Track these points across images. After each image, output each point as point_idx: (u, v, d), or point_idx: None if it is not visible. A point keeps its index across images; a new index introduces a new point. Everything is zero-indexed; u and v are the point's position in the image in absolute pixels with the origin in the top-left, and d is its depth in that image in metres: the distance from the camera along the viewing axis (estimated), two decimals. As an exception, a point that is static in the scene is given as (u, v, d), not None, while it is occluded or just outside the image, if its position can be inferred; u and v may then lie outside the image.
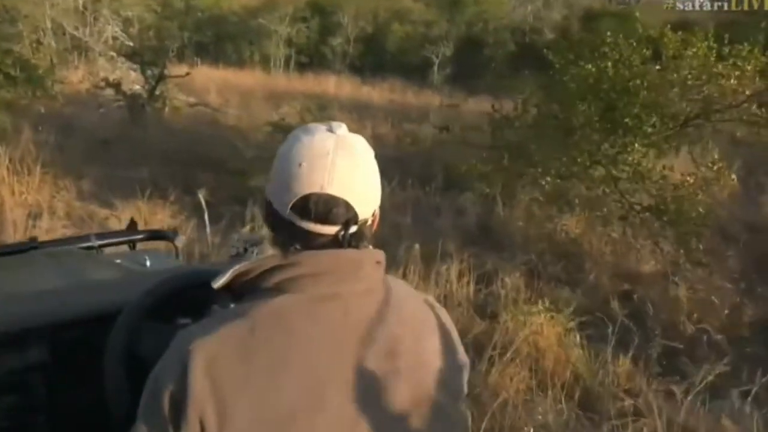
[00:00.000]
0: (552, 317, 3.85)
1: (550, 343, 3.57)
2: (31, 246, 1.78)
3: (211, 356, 0.82)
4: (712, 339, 4.07)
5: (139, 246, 2.12)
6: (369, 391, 0.87)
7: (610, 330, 3.59)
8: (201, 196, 5.09)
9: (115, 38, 11.43)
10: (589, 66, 5.04)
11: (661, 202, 4.62)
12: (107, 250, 2.05)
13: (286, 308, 0.86)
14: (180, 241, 2.04)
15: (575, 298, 4.50)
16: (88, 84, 10.31)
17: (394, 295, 0.95)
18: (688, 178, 4.64)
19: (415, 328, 0.95)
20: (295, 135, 0.93)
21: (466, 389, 1.01)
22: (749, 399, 3.22)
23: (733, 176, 5.06)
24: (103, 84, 9.54)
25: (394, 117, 12.05)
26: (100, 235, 1.94)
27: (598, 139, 4.91)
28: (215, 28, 20.96)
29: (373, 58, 21.67)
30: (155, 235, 2.06)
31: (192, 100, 11.36)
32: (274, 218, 0.92)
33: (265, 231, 0.99)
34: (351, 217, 0.89)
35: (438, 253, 4.76)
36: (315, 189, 0.87)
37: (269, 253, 0.93)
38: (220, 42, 20.81)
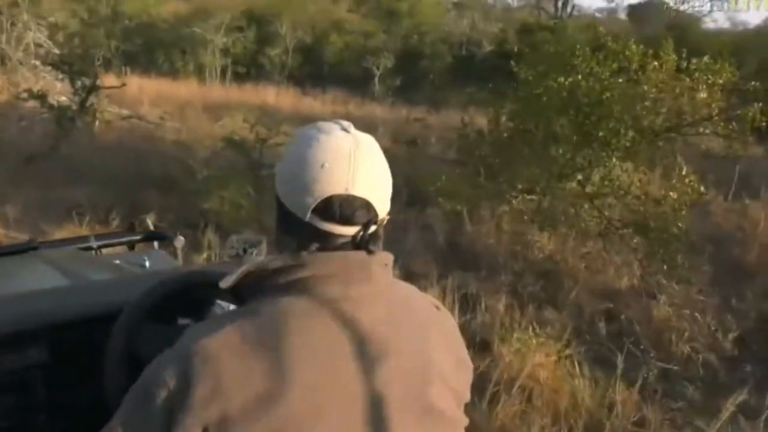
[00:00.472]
0: (543, 343, 3.65)
1: (550, 375, 3.34)
2: (30, 247, 1.77)
3: (214, 357, 0.80)
4: (704, 358, 3.97)
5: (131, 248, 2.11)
6: (374, 396, 0.85)
7: (618, 359, 3.39)
8: (149, 221, 4.59)
9: (38, 45, 10.50)
10: (561, 79, 4.91)
11: (643, 218, 4.53)
12: (106, 251, 2.04)
13: (293, 310, 0.84)
14: (179, 242, 1.99)
15: (559, 320, 4.33)
16: (7, 95, 9.41)
17: (403, 298, 0.95)
18: (672, 194, 4.56)
19: (423, 331, 0.94)
20: (309, 135, 0.90)
21: (469, 394, 1.01)
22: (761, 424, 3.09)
23: (703, 189, 5.03)
24: (25, 95, 8.70)
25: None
26: (99, 236, 1.95)
27: (573, 153, 4.76)
28: (144, 36, 19.96)
29: (312, 69, 21.28)
30: (154, 236, 2.05)
31: (125, 112, 10.61)
32: (289, 221, 0.90)
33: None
34: (372, 217, 0.89)
35: (412, 274, 4.49)
36: (339, 190, 0.86)
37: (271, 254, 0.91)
38: (150, 51, 19.82)
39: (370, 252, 0.89)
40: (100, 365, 1.10)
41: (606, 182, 4.60)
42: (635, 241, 4.72)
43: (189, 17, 20.03)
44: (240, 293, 0.91)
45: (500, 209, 5.48)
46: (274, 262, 0.87)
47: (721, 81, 4.64)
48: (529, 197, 5.01)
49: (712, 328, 4.24)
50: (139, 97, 13.45)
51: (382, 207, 0.91)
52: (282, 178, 0.91)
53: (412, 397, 0.89)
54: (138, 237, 2.07)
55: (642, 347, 3.96)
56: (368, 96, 18.82)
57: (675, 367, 3.84)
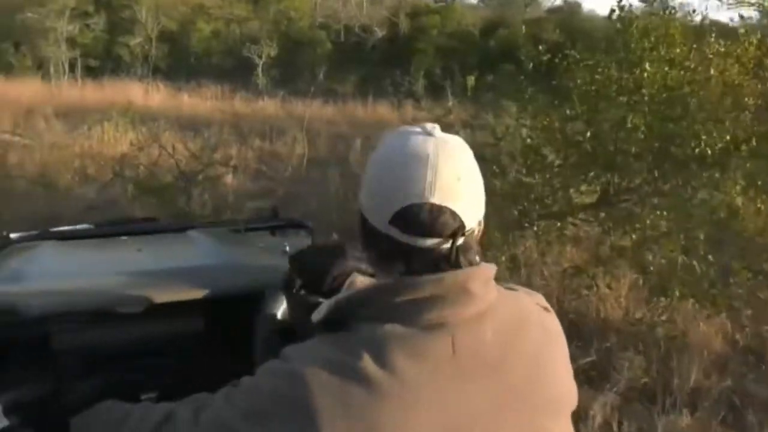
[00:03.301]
0: None
1: None
2: (189, 226, 1.89)
3: (321, 384, 0.75)
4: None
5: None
6: (483, 424, 0.77)
7: None
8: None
9: None
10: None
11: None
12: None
13: (384, 340, 0.76)
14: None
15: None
16: None
17: (512, 314, 0.84)
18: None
19: (536, 353, 0.83)
20: (390, 140, 0.84)
21: (576, 401, 0.90)
22: None
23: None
24: None
25: (242, 133, 9.72)
26: (245, 221, 2.06)
27: (651, 168, 3.41)
28: (-38, 25, 16.12)
29: (178, 60, 18.58)
30: (294, 223, 2.10)
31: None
32: (369, 234, 0.83)
33: None
34: (457, 227, 0.79)
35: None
36: (417, 199, 0.78)
37: (360, 278, 0.87)
38: (-28, 43, 16.04)
39: (463, 266, 0.79)
40: (248, 338, 1.20)
41: (720, 207, 3.26)
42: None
43: (20, 1, 16.41)
44: (331, 321, 0.82)
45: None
46: (360, 291, 0.81)
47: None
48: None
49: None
50: (-38, 103, 10.41)
51: (471, 216, 0.81)
52: (362, 187, 0.84)
53: (525, 423, 0.80)
54: (280, 223, 2.07)
55: None
56: (251, 89, 16.68)
57: None
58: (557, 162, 3.67)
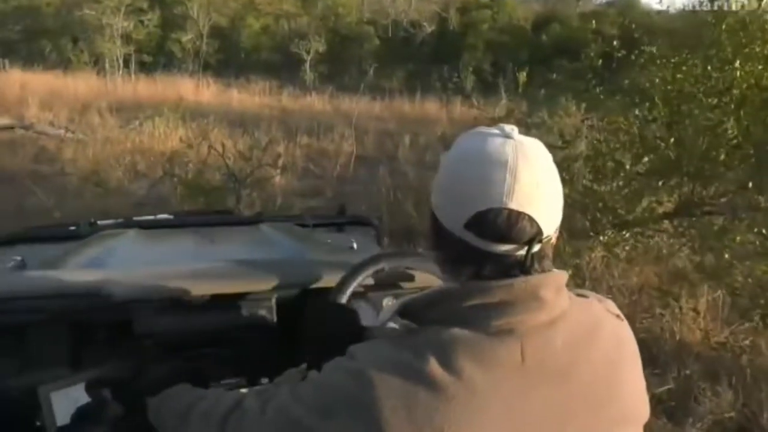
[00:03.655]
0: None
1: None
2: (258, 220, 1.94)
3: (387, 386, 0.74)
4: None
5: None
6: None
7: None
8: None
9: None
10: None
11: None
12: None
13: (451, 343, 0.75)
14: (383, 228, 2.13)
15: None
16: None
17: (582, 323, 0.81)
18: None
19: (608, 361, 0.80)
20: (467, 141, 0.81)
21: (648, 411, 0.87)
22: None
23: None
24: None
25: (289, 130, 9.63)
26: (313, 216, 2.09)
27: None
28: (25, 22, 16.59)
29: (228, 56, 18.73)
30: (361, 221, 2.15)
31: (5, 121, 7.98)
32: (441, 236, 0.80)
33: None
34: (535, 234, 0.76)
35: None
36: (494, 204, 0.75)
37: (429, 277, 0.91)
38: (33, 39, 16.51)
39: (535, 272, 0.77)
40: (313, 333, 1.20)
41: None
42: None
43: (78, -1, 16.84)
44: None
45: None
46: (428, 294, 0.81)
47: None
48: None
49: None
50: (22, 96, 10.65)
51: (549, 222, 0.78)
52: (436, 188, 0.82)
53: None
54: (347, 221, 2.13)
55: None
56: (299, 85, 16.65)
57: None
58: (634, 168, 3.34)
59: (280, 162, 6.37)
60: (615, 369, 0.81)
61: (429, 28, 17.89)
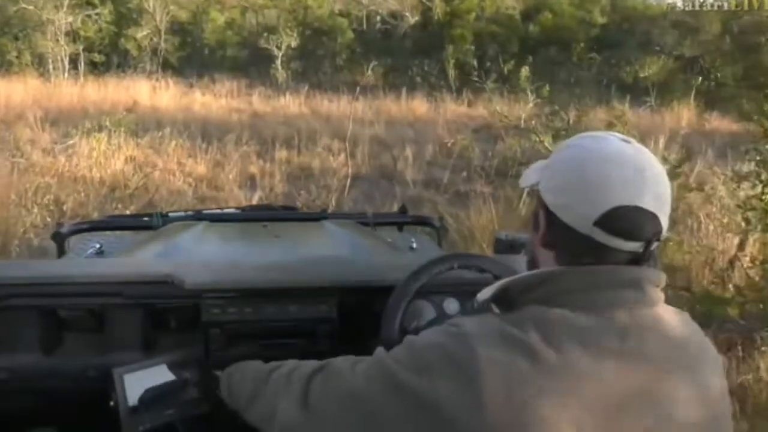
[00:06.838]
0: None
1: None
2: (322, 216, 2.04)
3: (487, 350, 0.75)
4: None
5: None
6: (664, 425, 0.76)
7: None
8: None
9: None
10: None
11: None
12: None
13: (553, 322, 0.77)
14: (444, 229, 2.12)
15: None
16: None
17: (676, 323, 0.83)
18: None
19: (697, 368, 0.82)
20: (588, 143, 0.85)
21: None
22: None
23: None
24: None
25: (263, 140, 8.09)
26: (376, 215, 2.10)
27: None
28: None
29: (190, 54, 16.98)
30: (422, 221, 2.13)
31: None
32: (562, 235, 0.83)
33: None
34: (657, 232, 0.81)
35: None
36: (625, 201, 0.79)
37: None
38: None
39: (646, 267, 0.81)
40: (375, 329, 1.23)
41: None
42: None
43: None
44: (498, 301, 0.86)
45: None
46: (533, 275, 0.83)
47: None
48: None
49: None
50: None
51: (666, 222, 0.83)
52: (556, 189, 0.84)
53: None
54: (409, 220, 2.11)
55: None
56: (270, 84, 15.08)
57: None
58: None
59: (257, 196, 4.84)
60: (704, 377, 0.80)
61: (412, 19, 16.40)
